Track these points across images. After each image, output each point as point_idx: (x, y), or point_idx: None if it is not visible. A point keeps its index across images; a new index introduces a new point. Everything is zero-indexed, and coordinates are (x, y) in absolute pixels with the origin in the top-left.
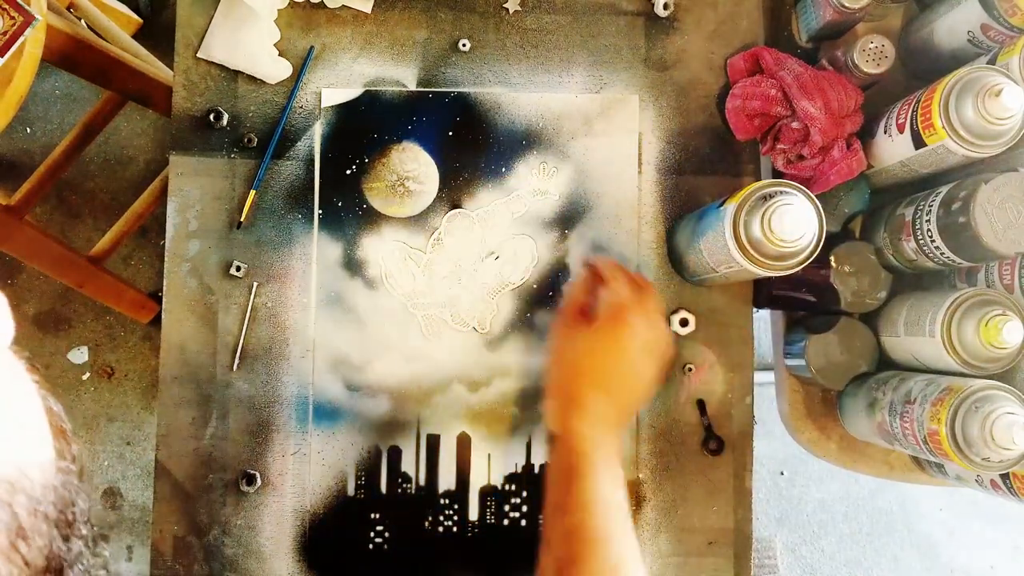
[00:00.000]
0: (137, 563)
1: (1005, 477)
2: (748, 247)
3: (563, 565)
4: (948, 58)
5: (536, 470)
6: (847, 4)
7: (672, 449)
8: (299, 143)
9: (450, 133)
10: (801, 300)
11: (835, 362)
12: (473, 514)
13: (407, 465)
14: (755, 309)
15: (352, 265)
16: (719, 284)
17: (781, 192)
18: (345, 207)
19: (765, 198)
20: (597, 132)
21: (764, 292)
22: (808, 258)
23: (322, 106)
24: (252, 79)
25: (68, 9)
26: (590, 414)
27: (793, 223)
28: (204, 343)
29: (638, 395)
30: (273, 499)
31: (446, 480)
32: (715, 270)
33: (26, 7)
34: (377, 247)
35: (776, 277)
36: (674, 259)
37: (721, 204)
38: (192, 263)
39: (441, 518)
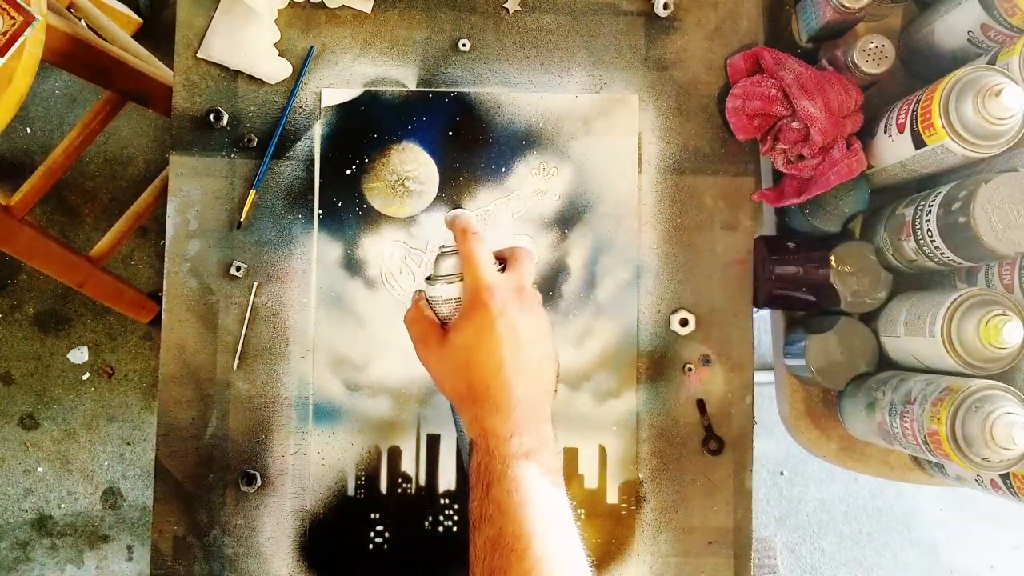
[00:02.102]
0: (137, 563)
1: (1005, 477)
2: (450, 284)
3: None
4: (948, 58)
5: None
6: (847, 4)
7: (672, 449)
8: (299, 143)
9: (450, 133)
10: (801, 300)
11: (835, 362)
12: None
13: (407, 465)
14: (755, 309)
15: (352, 265)
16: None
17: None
18: (345, 207)
19: (441, 255)
20: (597, 132)
21: (764, 292)
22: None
23: (322, 106)
24: (252, 79)
25: (68, 9)
26: (499, 407)
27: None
28: (204, 343)
29: (543, 377)
30: (273, 499)
31: (446, 480)
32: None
33: (26, 7)
34: (377, 247)
35: (775, 277)
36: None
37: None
38: (192, 263)
39: (441, 518)
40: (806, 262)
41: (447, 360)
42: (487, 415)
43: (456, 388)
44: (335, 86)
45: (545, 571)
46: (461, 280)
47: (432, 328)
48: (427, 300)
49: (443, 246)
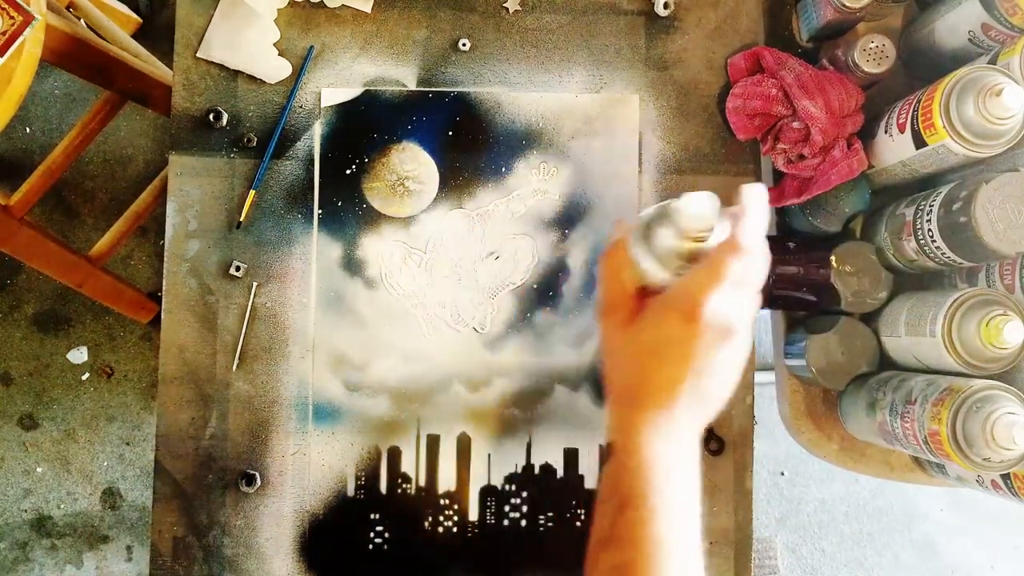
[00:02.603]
0: (137, 563)
1: (1006, 477)
2: (670, 262)
3: None
4: (949, 58)
5: (536, 470)
6: (848, 4)
7: None
8: (299, 143)
9: (450, 133)
10: (802, 300)
11: (835, 362)
12: (473, 514)
13: (407, 465)
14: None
15: (352, 265)
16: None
17: (672, 200)
18: (345, 207)
19: (662, 208)
20: (597, 132)
21: (764, 292)
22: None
23: (322, 106)
24: (252, 79)
25: (68, 9)
26: (659, 424)
27: (698, 210)
28: (204, 343)
29: (718, 392)
30: (273, 499)
31: (446, 480)
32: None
33: (26, 7)
34: (377, 247)
35: (776, 277)
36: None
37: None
38: (192, 263)
39: (441, 518)
40: (807, 262)
41: (630, 344)
42: (644, 431)
43: (624, 379)
44: (335, 86)
45: None
46: (683, 268)
47: (627, 299)
48: (634, 251)
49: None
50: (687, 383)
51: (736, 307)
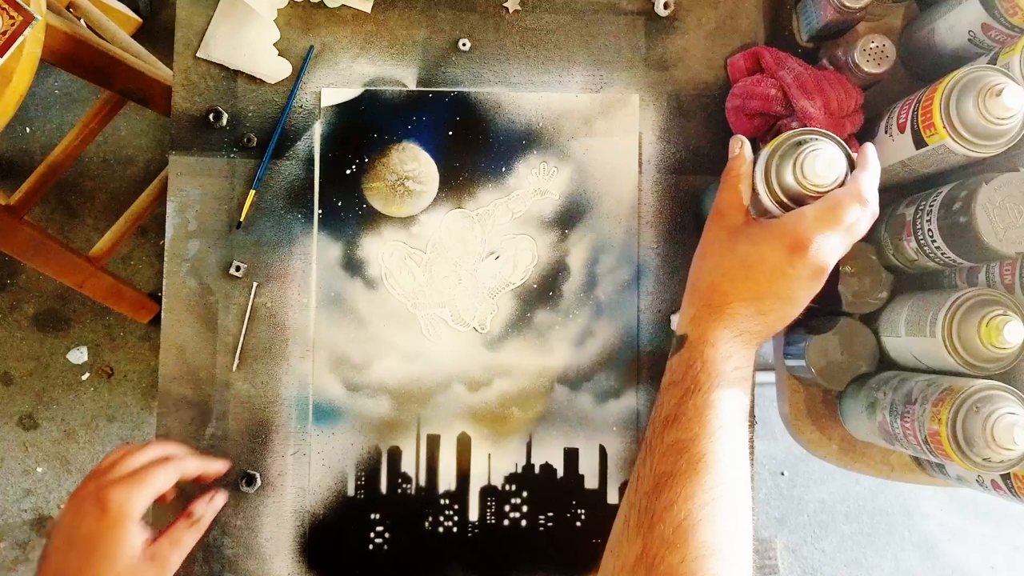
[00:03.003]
0: None
1: (1006, 477)
2: (780, 194)
3: (663, 479)
4: (949, 58)
5: (536, 470)
6: (848, 4)
7: None
8: (299, 143)
9: (450, 133)
10: None
11: (835, 362)
12: (473, 514)
13: (407, 465)
14: None
15: (352, 265)
16: None
17: (813, 138)
18: (345, 207)
19: (797, 144)
20: (597, 132)
21: None
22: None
23: (322, 106)
24: (252, 79)
25: (68, 9)
26: (735, 326)
27: (825, 167)
28: (204, 343)
29: (788, 318)
30: (273, 499)
31: (446, 480)
32: None
33: (26, 7)
34: (377, 247)
35: None
36: (702, 221)
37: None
38: (192, 263)
39: (441, 518)
40: None
41: (728, 251)
42: (721, 328)
43: (714, 280)
44: (335, 86)
45: (716, 497)
46: (790, 207)
47: (740, 210)
48: (757, 180)
49: (811, 144)
50: (767, 302)
51: (837, 252)
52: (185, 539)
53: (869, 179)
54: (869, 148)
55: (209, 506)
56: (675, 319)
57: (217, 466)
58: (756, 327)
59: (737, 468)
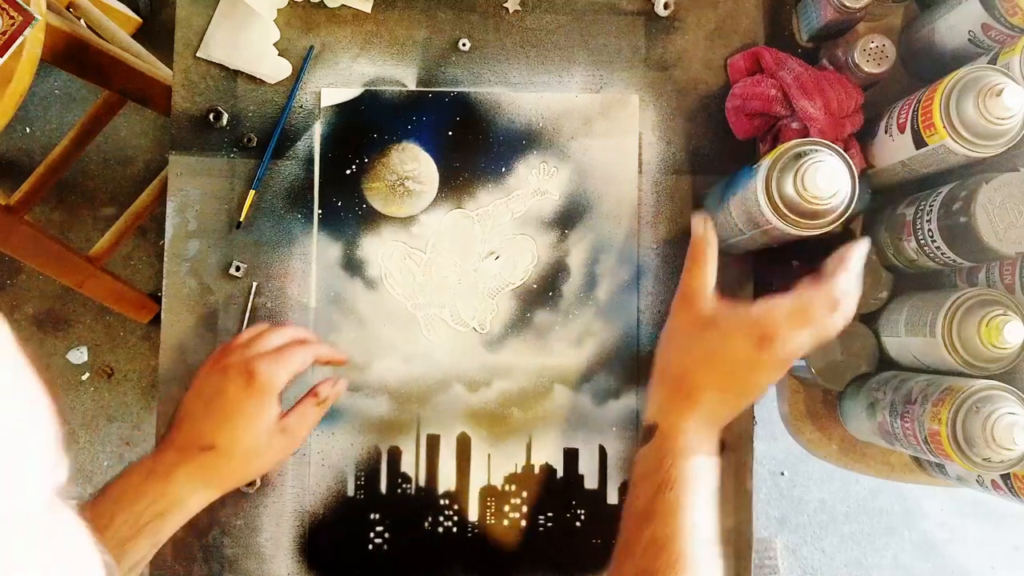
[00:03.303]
0: None
1: (1006, 477)
2: (780, 205)
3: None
4: (949, 58)
5: (536, 470)
6: (848, 4)
7: None
8: (299, 143)
9: (450, 133)
10: None
11: (835, 363)
12: (473, 514)
13: (407, 465)
14: None
15: (352, 265)
16: (744, 248)
17: (815, 150)
18: (345, 207)
19: (798, 156)
20: (597, 132)
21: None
22: (840, 217)
23: (322, 106)
24: (252, 79)
25: (68, 9)
26: (703, 415)
27: (827, 180)
28: (204, 343)
29: (750, 403)
30: (273, 499)
31: (446, 480)
32: (743, 232)
33: (26, 7)
34: (377, 247)
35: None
36: None
37: (753, 165)
38: (192, 263)
39: (441, 518)
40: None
41: (696, 340)
42: (690, 418)
43: (682, 369)
44: (335, 86)
45: None
46: (796, 221)
47: (705, 298)
48: (758, 191)
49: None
50: (734, 391)
51: (804, 348)
52: (312, 416)
53: (846, 281)
54: (855, 249)
55: (333, 389)
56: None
57: (342, 356)
58: (722, 413)
59: (710, 566)
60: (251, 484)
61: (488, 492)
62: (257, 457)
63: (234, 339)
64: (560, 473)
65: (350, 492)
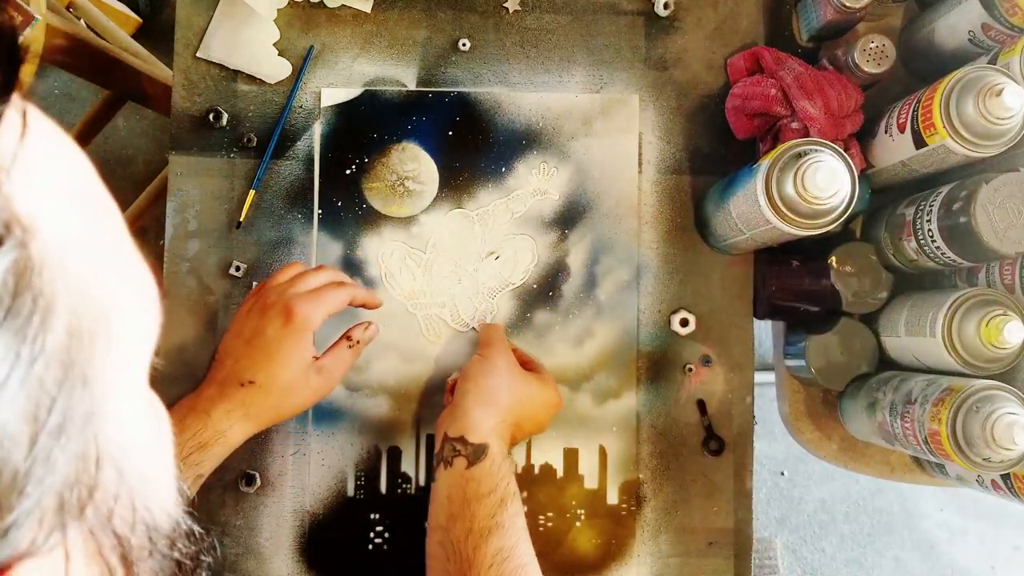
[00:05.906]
0: None
1: (1006, 477)
2: (780, 205)
3: None
4: (949, 58)
5: (536, 470)
6: (848, 4)
7: (672, 449)
8: (299, 143)
9: (450, 133)
10: (803, 311)
11: (835, 362)
12: None
13: (407, 465)
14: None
15: (352, 265)
16: (744, 248)
17: (815, 150)
18: (345, 207)
19: (798, 156)
20: (597, 132)
21: (766, 304)
22: (840, 217)
23: (322, 106)
24: (252, 79)
25: (68, 8)
26: (519, 438)
27: (827, 180)
28: (204, 343)
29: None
30: (273, 499)
31: None
32: (743, 232)
33: (26, 7)
34: (377, 247)
35: (777, 287)
36: (700, 224)
37: (753, 165)
38: (191, 263)
39: None
40: (808, 275)
41: (523, 383)
42: (511, 442)
43: (512, 400)
44: (335, 86)
45: None
46: (795, 219)
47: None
48: (758, 191)
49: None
50: (535, 428)
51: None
52: (347, 358)
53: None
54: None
55: (366, 333)
56: (675, 319)
57: (378, 300)
58: (520, 440)
59: (536, 563)
60: (251, 484)
61: None
62: (294, 394)
63: (271, 277)
64: (560, 473)
65: (350, 492)
